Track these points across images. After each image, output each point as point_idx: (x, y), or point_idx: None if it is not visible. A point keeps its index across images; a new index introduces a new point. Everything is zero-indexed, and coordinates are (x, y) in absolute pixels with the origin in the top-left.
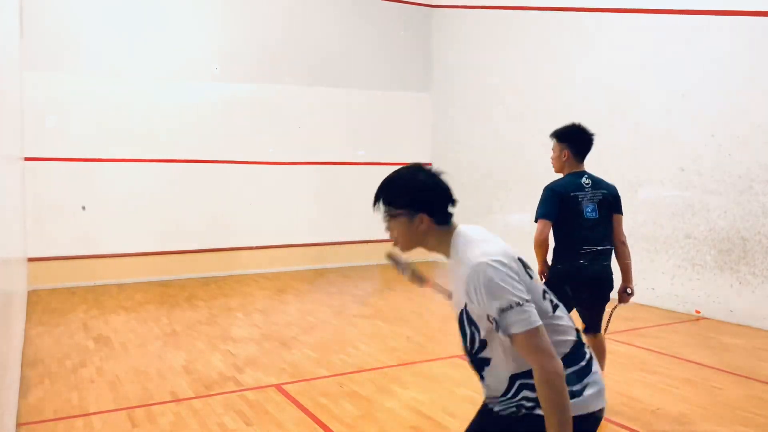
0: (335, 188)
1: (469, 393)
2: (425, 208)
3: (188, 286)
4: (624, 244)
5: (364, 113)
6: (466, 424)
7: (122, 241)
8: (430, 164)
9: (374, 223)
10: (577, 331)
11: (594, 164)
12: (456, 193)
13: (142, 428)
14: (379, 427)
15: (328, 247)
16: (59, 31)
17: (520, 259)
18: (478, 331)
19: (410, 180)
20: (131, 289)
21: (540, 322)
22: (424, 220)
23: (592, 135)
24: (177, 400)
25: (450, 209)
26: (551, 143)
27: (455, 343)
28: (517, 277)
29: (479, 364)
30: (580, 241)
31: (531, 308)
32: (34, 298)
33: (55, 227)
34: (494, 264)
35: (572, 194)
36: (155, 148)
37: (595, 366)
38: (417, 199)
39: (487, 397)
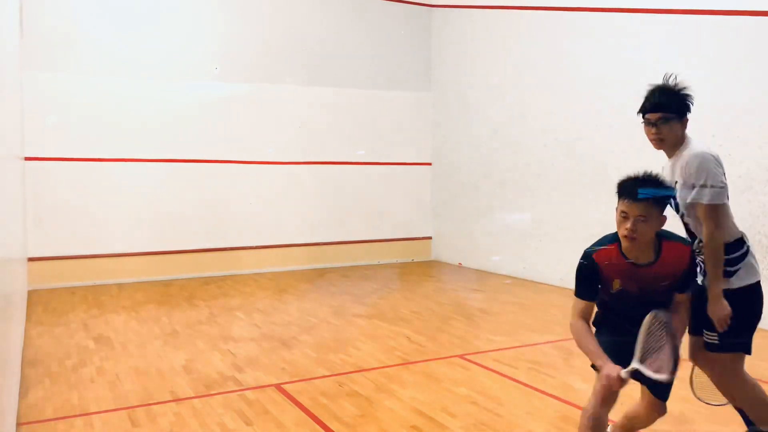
0: (335, 188)
1: (469, 393)
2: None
3: (188, 286)
4: None
5: (364, 113)
6: (466, 424)
7: (122, 241)
8: (430, 164)
9: (374, 223)
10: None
11: (594, 164)
12: (456, 193)
13: (142, 428)
14: (379, 427)
15: (328, 247)
16: (59, 31)
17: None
18: None
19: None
20: (131, 289)
21: (720, 201)
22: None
23: None
24: (177, 400)
25: None
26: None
27: (455, 343)
28: (720, 173)
29: None
30: None
31: (720, 190)
32: (34, 298)
33: (55, 227)
34: (709, 157)
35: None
36: (155, 148)
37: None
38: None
39: None
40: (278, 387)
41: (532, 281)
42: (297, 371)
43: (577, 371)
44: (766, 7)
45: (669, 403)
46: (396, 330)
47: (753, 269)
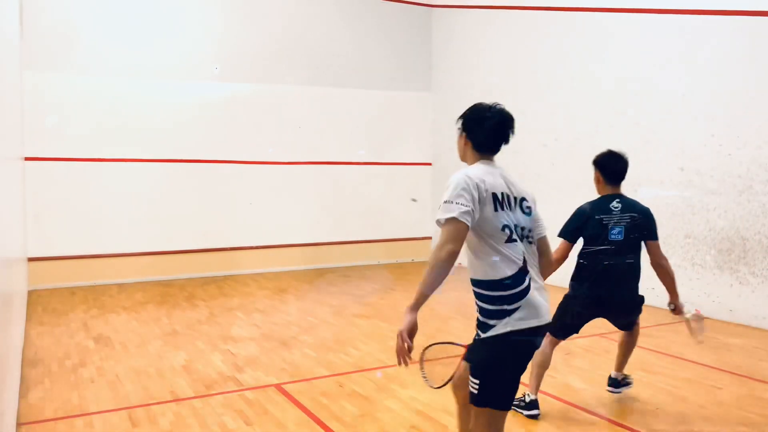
0: (335, 188)
1: None
2: (468, 131)
3: (188, 286)
4: (661, 265)
5: (364, 113)
6: None
7: (122, 241)
8: (430, 164)
9: (374, 223)
10: (524, 264)
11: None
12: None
13: (142, 428)
14: (379, 427)
15: (328, 247)
16: (59, 31)
17: (502, 194)
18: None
19: (470, 110)
20: (131, 289)
21: (456, 217)
22: (463, 139)
23: (624, 161)
24: (177, 400)
25: (489, 145)
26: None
27: None
28: (469, 195)
29: None
30: (601, 263)
31: (459, 209)
32: (34, 298)
33: (55, 227)
34: (461, 176)
35: (597, 217)
36: (155, 148)
37: (532, 294)
38: (465, 122)
39: None
40: (278, 387)
41: None
42: (297, 371)
43: (577, 371)
44: (766, 7)
45: (668, 404)
46: (396, 330)
47: None
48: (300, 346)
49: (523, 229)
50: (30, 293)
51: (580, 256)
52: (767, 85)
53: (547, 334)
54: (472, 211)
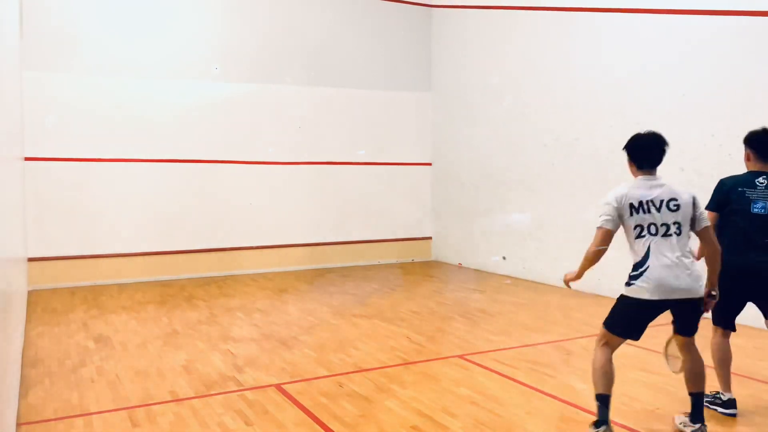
0: (335, 188)
1: (469, 393)
2: (630, 155)
3: (188, 286)
4: None
5: (364, 113)
6: (466, 424)
7: (122, 241)
8: (430, 164)
9: (374, 223)
10: (646, 254)
11: (594, 163)
12: (456, 193)
13: (142, 428)
14: (379, 427)
15: (328, 247)
16: (59, 31)
17: (640, 202)
18: None
19: (631, 138)
20: (131, 289)
21: (600, 225)
22: (630, 163)
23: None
24: (177, 400)
25: (643, 162)
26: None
27: (455, 343)
28: (610, 207)
29: None
30: (741, 235)
31: (602, 218)
32: (34, 298)
33: (55, 227)
34: (608, 194)
35: (740, 189)
36: (155, 148)
37: (652, 272)
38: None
39: None
40: (278, 387)
41: (532, 281)
42: (297, 371)
43: (576, 371)
44: (766, 7)
45: (668, 404)
46: (396, 330)
47: None
48: (300, 346)
49: (661, 225)
50: (30, 293)
51: (723, 229)
52: (767, 85)
53: (715, 329)
54: (612, 218)
